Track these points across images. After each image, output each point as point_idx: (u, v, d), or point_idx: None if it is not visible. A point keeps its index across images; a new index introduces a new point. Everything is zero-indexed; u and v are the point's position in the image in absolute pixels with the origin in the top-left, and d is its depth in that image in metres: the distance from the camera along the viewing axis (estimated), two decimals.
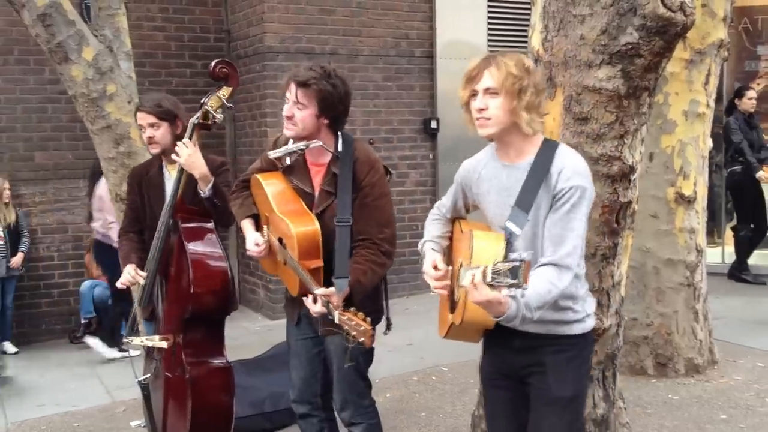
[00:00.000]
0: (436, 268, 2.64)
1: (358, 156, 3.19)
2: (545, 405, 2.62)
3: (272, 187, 3.24)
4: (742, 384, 5.35)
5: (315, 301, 2.93)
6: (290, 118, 3.14)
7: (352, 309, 2.79)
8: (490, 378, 2.82)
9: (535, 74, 2.56)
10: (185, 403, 3.51)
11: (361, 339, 2.70)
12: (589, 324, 2.67)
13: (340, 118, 3.21)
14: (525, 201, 2.52)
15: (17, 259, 7.25)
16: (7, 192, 7.23)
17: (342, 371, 3.27)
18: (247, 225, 3.33)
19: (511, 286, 2.12)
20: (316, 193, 3.22)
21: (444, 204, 2.96)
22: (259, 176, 3.31)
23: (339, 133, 3.23)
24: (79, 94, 5.39)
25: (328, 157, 3.21)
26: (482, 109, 2.53)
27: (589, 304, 2.70)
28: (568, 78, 3.43)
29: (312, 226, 3.10)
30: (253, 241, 3.24)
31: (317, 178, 3.24)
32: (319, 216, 3.16)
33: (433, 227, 2.94)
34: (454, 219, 2.93)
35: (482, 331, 2.69)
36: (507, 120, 2.53)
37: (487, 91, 2.52)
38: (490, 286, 2.18)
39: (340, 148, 3.20)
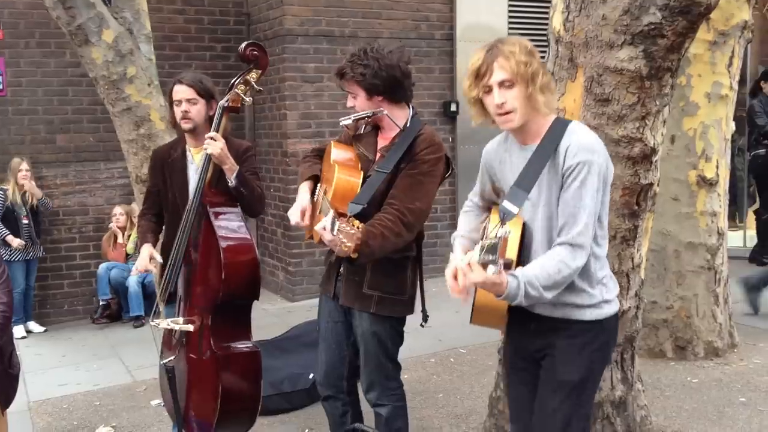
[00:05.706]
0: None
1: (423, 133, 3.26)
2: (550, 388, 2.60)
3: (338, 150, 3.34)
4: (761, 367, 5.33)
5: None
6: (352, 107, 3.26)
7: (350, 218, 2.83)
8: (512, 360, 2.81)
9: (536, 53, 2.48)
10: (214, 386, 3.51)
11: (346, 241, 2.71)
12: (607, 311, 2.59)
13: (394, 91, 3.23)
14: (525, 180, 2.47)
15: (20, 242, 7.13)
16: (24, 173, 7.23)
17: (369, 354, 3.29)
18: (302, 188, 3.35)
19: (490, 263, 2.15)
20: (376, 158, 3.27)
21: (475, 192, 2.89)
22: (332, 142, 3.39)
23: (412, 109, 3.32)
24: (100, 76, 5.42)
25: (396, 131, 3.27)
26: (502, 104, 2.44)
27: (610, 290, 2.61)
28: (589, 59, 3.41)
29: (355, 179, 3.18)
30: (300, 205, 3.27)
31: (381, 147, 3.30)
32: None
33: (463, 220, 2.87)
34: (491, 207, 2.82)
35: (504, 315, 2.65)
36: (527, 108, 2.45)
37: (502, 84, 2.43)
38: (483, 265, 2.19)
39: (408, 124, 3.27)
